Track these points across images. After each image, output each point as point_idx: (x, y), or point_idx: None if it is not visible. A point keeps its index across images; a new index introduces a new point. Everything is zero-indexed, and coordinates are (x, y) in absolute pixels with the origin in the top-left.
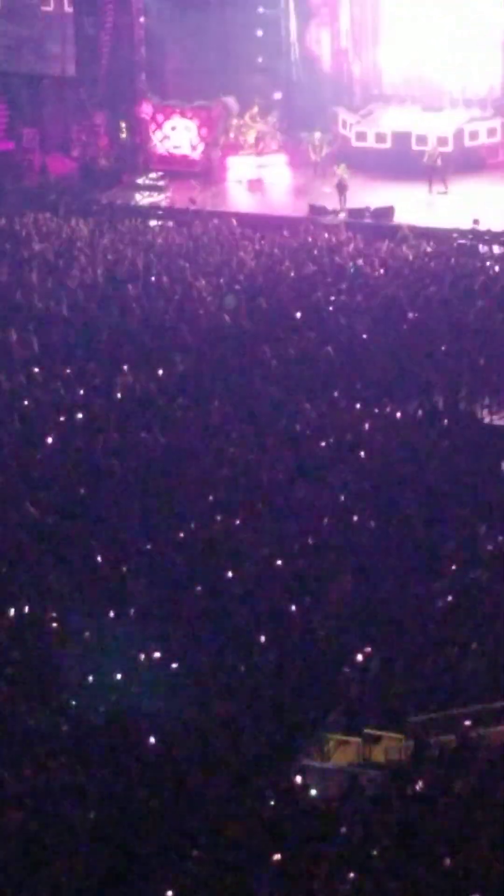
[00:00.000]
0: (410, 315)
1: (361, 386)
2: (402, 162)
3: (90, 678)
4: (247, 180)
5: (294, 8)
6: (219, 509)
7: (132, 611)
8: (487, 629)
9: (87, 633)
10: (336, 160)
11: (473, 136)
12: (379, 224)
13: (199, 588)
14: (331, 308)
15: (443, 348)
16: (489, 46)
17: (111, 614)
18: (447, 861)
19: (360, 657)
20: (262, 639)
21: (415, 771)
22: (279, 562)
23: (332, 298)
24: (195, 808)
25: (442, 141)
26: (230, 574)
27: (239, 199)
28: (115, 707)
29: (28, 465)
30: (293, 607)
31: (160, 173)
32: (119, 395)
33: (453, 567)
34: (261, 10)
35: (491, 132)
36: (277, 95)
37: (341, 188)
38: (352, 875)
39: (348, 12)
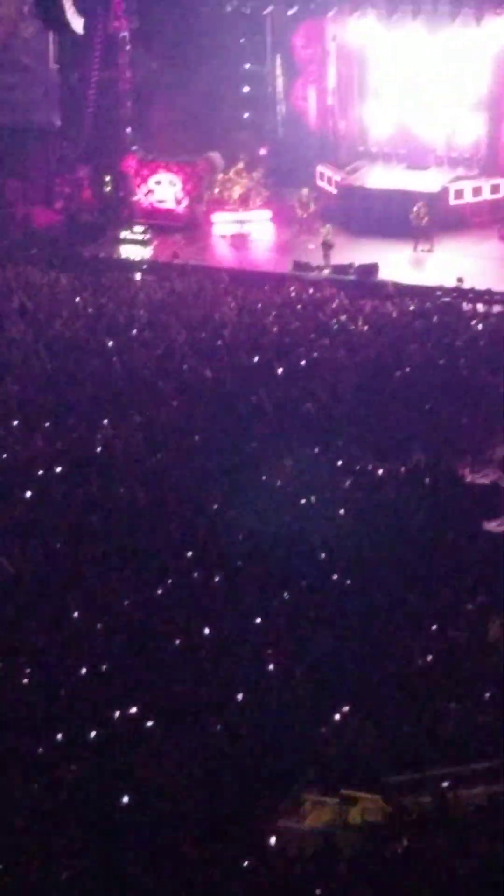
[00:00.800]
0: (393, 372)
1: (343, 443)
2: (388, 219)
3: None
4: (231, 235)
5: (281, 65)
6: (197, 565)
7: (105, 666)
8: (466, 689)
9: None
10: (321, 217)
11: (458, 194)
12: (363, 281)
13: (176, 643)
14: (313, 364)
15: (426, 406)
16: (474, 105)
17: (83, 671)
18: None
19: (337, 716)
20: (240, 697)
21: (392, 833)
22: (258, 619)
23: (315, 355)
24: (167, 867)
25: (427, 199)
26: (207, 631)
27: (223, 255)
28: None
29: (4, 518)
30: (270, 665)
31: (144, 227)
32: (99, 449)
33: (433, 626)
34: (247, 66)
35: (476, 191)
36: (263, 151)
37: (326, 247)
38: None
39: (335, 70)
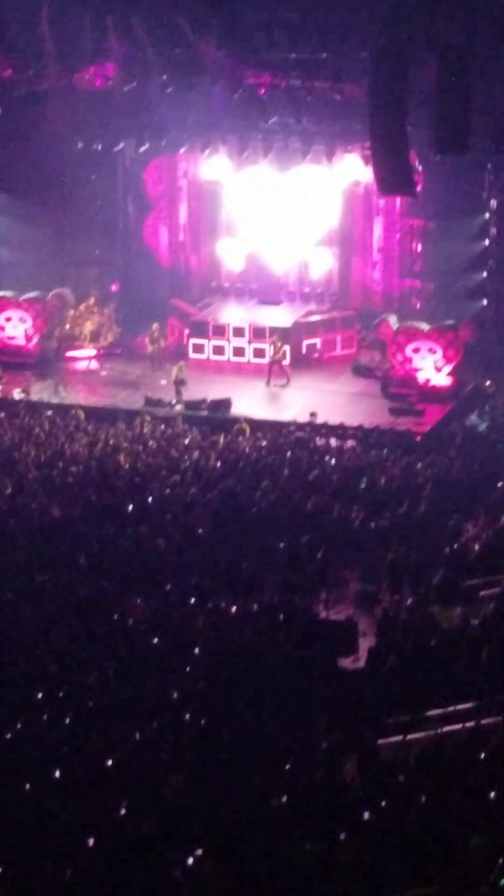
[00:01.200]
0: (247, 508)
1: (196, 580)
2: (240, 354)
3: None
4: (82, 371)
5: (132, 201)
6: (45, 708)
7: None
8: (322, 832)
9: None
10: (173, 353)
11: (311, 329)
12: (216, 416)
13: (26, 786)
14: (165, 501)
15: (279, 542)
16: (325, 240)
17: None
18: None
19: (190, 859)
20: (91, 842)
21: None
22: (108, 761)
23: (167, 491)
24: None
25: (280, 334)
26: (57, 773)
27: (74, 391)
28: None
29: None
30: (122, 810)
31: None
32: None
33: (287, 766)
34: (99, 202)
35: (328, 325)
36: (114, 287)
37: (179, 383)
38: None
39: (186, 206)
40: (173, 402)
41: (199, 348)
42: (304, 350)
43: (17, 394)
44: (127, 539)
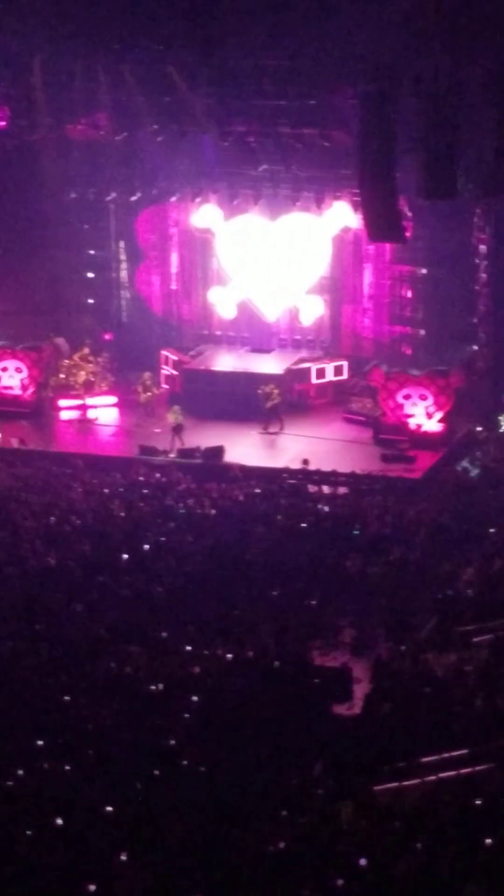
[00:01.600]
0: (241, 556)
1: (192, 628)
2: (233, 402)
3: None
4: (77, 421)
5: (124, 250)
6: (46, 756)
7: None
8: (318, 879)
9: None
10: (167, 401)
11: (302, 376)
12: (210, 464)
13: (28, 833)
14: (160, 549)
15: (273, 589)
16: (316, 287)
17: None
18: None
19: None
20: (92, 888)
21: None
22: (108, 808)
23: (162, 539)
24: None
25: (272, 382)
26: (59, 821)
27: (69, 440)
28: None
29: None
30: (122, 856)
31: None
32: None
33: (284, 812)
34: (91, 252)
35: (319, 373)
36: (108, 336)
37: (177, 429)
38: None
39: (177, 255)
40: (171, 447)
41: (190, 396)
42: (295, 397)
43: (13, 443)
44: (123, 587)
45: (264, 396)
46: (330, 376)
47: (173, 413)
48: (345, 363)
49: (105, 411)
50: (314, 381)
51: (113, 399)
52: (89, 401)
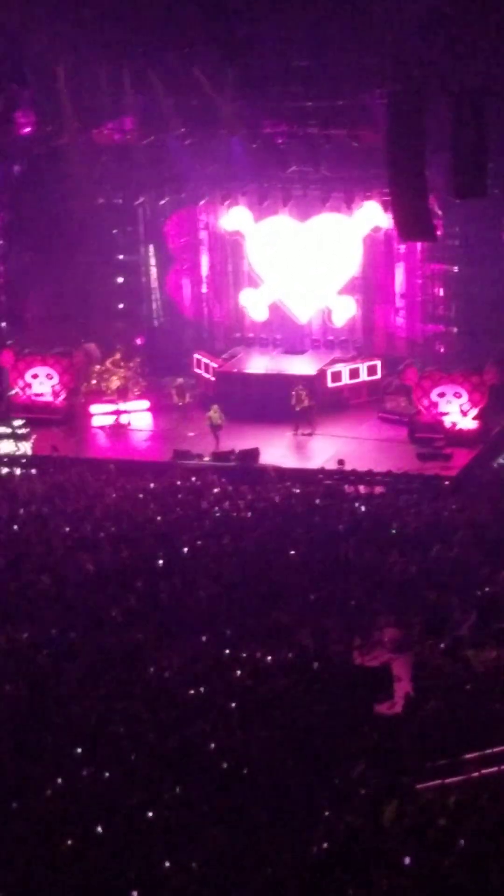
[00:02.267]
0: (278, 558)
1: (231, 631)
2: (267, 404)
3: None
4: (110, 426)
5: (154, 254)
6: (86, 761)
7: None
8: (362, 878)
9: None
10: (201, 404)
11: (336, 377)
12: (245, 466)
13: (69, 843)
14: (197, 553)
15: (312, 591)
16: (347, 288)
17: None
18: None
19: None
20: (135, 894)
21: None
22: (150, 813)
23: (199, 542)
24: None
25: (305, 382)
26: (99, 829)
27: (102, 446)
28: None
29: None
30: (166, 862)
31: (22, 421)
32: None
33: (327, 812)
34: (121, 256)
35: (353, 373)
36: (139, 341)
37: (216, 428)
38: None
39: (208, 258)
40: (202, 453)
41: (224, 398)
42: (329, 398)
43: (46, 450)
44: (160, 592)
45: (297, 397)
46: (364, 376)
47: (213, 412)
48: (378, 362)
49: (138, 416)
50: (348, 381)
51: (146, 403)
52: (122, 406)
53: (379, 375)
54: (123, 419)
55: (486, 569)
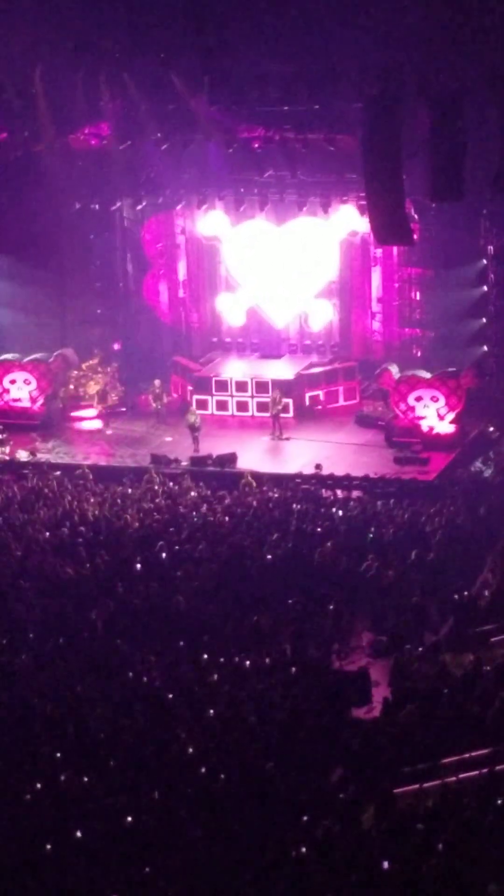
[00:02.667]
0: (255, 563)
1: (208, 636)
2: (243, 408)
3: None
4: (88, 431)
5: (131, 259)
6: (66, 766)
7: None
8: (341, 882)
9: None
10: (178, 409)
11: (313, 381)
12: (222, 471)
13: (48, 847)
14: (174, 558)
15: (289, 597)
16: (325, 292)
17: None
18: None
19: None
20: None
21: None
22: (129, 818)
23: (177, 548)
24: None
25: (282, 387)
26: (79, 833)
27: (80, 451)
28: None
29: None
30: (146, 868)
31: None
32: None
33: (305, 817)
34: (98, 262)
35: (330, 377)
36: (117, 346)
37: (193, 430)
38: None
39: (185, 263)
40: (196, 449)
41: (202, 404)
42: (306, 402)
43: (23, 455)
44: (138, 597)
45: (273, 402)
46: (340, 380)
47: (191, 414)
48: (355, 366)
49: (116, 421)
50: (325, 385)
51: (123, 408)
52: (100, 411)
53: (356, 380)
54: (101, 424)
55: (464, 573)
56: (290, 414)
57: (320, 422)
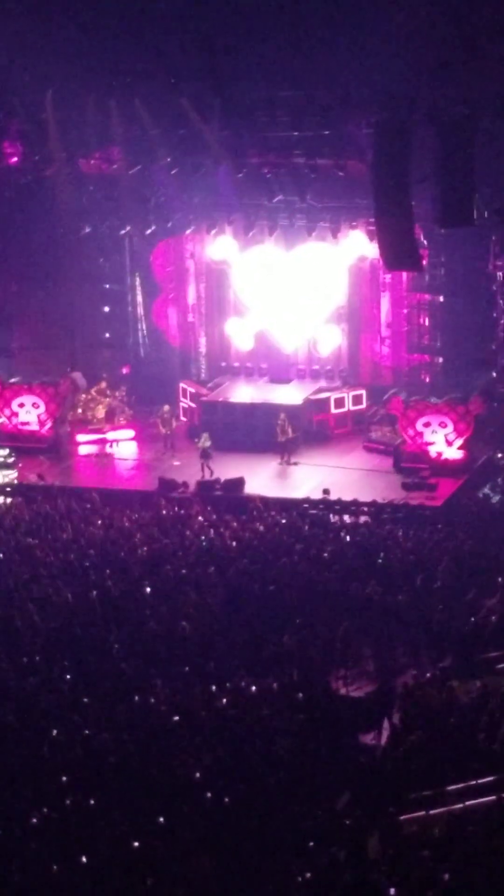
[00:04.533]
0: (263, 587)
1: (215, 660)
2: (252, 434)
3: None
4: (96, 455)
5: (140, 283)
6: (70, 791)
7: None
8: None
9: None
10: (187, 433)
11: (321, 406)
12: (230, 496)
13: (54, 871)
14: (182, 582)
15: (297, 620)
16: (333, 317)
17: None
18: None
19: None
20: None
21: None
22: (135, 843)
23: (184, 572)
24: None
25: (290, 412)
26: (84, 859)
27: (88, 475)
28: None
29: None
30: (151, 892)
31: (8, 450)
32: None
33: (311, 843)
34: (107, 285)
35: (338, 402)
36: (125, 370)
37: (204, 455)
38: None
39: (194, 287)
40: (203, 474)
41: (207, 427)
42: (314, 427)
43: (32, 478)
44: (146, 621)
45: (281, 427)
46: (349, 406)
47: (202, 440)
48: (363, 392)
49: (124, 445)
50: (333, 410)
51: (131, 433)
52: (108, 435)
53: (364, 405)
54: (109, 448)
55: (471, 599)
56: (298, 438)
57: (328, 447)
